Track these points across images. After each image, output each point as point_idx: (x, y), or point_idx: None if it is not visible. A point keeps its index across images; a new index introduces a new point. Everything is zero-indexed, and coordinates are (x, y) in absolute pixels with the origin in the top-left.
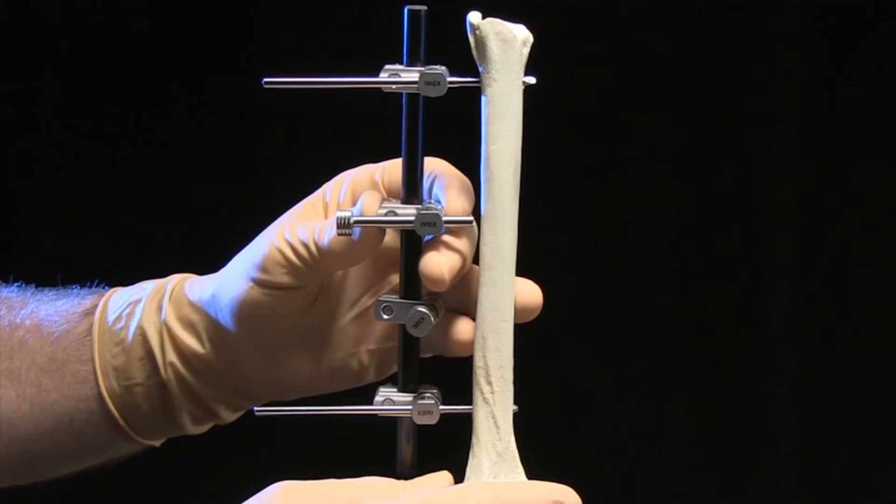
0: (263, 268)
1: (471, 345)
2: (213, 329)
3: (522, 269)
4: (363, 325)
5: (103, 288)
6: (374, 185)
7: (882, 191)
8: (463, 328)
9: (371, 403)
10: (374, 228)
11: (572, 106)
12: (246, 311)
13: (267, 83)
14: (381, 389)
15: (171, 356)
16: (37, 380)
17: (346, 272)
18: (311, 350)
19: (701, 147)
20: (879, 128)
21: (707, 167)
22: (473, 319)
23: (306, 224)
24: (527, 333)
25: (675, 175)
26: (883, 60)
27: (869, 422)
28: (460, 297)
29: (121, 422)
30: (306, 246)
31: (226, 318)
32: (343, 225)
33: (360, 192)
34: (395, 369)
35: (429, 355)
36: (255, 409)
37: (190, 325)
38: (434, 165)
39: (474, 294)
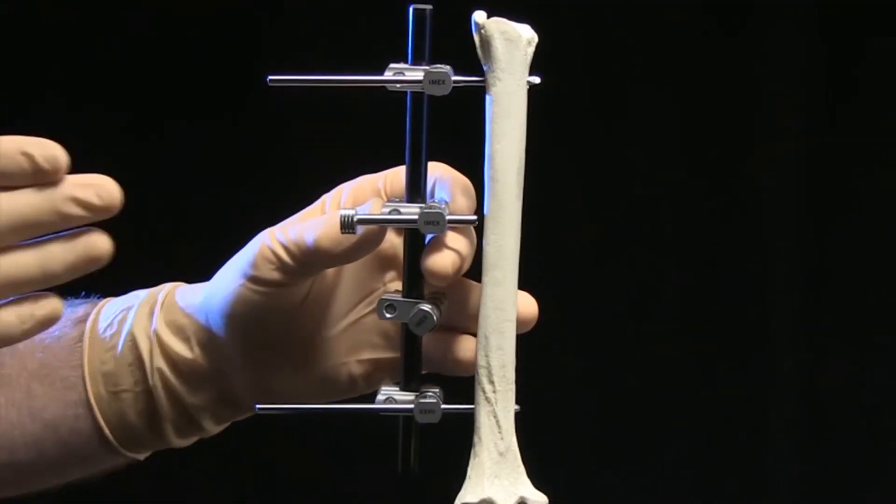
0: (255, 265)
1: (472, 364)
2: (202, 334)
3: (523, 270)
4: (355, 336)
5: (97, 298)
6: (376, 193)
7: (883, 192)
8: (465, 345)
9: (373, 402)
10: (373, 228)
11: (573, 107)
12: (237, 310)
13: (272, 81)
14: (384, 388)
15: (159, 362)
16: (27, 385)
17: (339, 280)
18: (300, 357)
19: (702, 150)
20: (882, 131)
21: (708, 170)
22: (475, 336)
23: (298, 224)
24: (528, 334)
25: (676, 179)
26: (885, 63)
27: (869, 423)
28: (461, 312)
29: (105, 430)
30: (296, 243)
31: (216, 321)
32: (347, 224)
33: (362, 199)
34: (384, 381)
35: (424, 373)
36: (257, 406)
37: (179, 331)
38: (435, 169)
39: (474, 309)
